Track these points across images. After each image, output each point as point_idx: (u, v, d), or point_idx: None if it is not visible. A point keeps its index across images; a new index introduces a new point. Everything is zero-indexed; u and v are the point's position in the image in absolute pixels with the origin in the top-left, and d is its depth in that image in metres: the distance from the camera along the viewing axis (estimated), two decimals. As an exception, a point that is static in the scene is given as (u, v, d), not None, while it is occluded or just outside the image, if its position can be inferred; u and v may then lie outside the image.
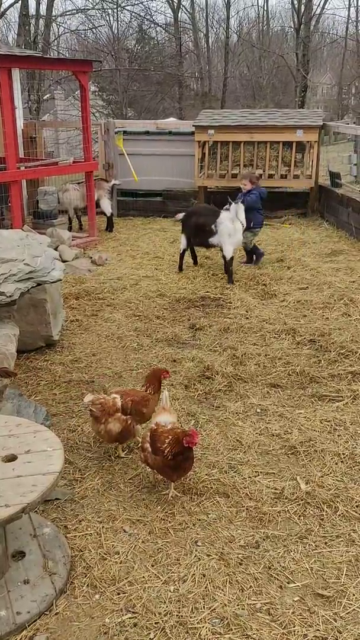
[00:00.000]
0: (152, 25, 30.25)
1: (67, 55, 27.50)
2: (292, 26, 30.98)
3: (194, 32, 33.74)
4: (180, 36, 30.87)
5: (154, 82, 27.44)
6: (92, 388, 4.86)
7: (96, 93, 26.78)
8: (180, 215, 8.07)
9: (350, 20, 35.07)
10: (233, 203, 7.57)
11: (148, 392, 3.97)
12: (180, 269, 8.07)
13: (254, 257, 8.36)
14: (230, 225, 7.50)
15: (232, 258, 7.56)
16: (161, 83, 27.68)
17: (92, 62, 10.55)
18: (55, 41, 26.01)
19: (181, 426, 3.90)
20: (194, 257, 8.28)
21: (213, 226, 7.56)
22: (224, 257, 7.61)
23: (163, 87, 28.07)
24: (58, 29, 27.25)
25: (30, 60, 9.22)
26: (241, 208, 7.54)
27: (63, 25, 27.95)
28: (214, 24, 36.87)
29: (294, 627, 2.68)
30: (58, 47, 26.80)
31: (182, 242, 8.04)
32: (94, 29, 28.19)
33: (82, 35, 28.77)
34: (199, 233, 7.75)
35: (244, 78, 35.93)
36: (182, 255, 8.08)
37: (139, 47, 29.25)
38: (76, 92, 23.11)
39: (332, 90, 39.62)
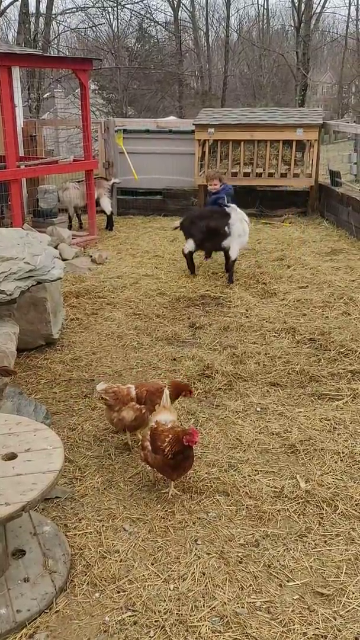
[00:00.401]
0: (152, 23, 30.32)
1: (67, 53, 27.49)
2: (293, 25, 30.98)
3: (194, 30, 33.74)
4: (180, 34, 30.87)
5: (154, 80, 27.43)
6: (93, 387, 4.85)
7: (96, 91, 26.77)
8: (177, 223, 7.81)
9: (350, 19, 35.16)
10: (229, 206, 7.54)
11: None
12: (191, 268, 7.74)
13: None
14: (241, 226, 7.43)
15: (235, 259, 7.52)
16: (161, 81, 27.68)
17: (92, 61, 10.52)
18: (55, 39, 26.05)
19: (181, 425, 3.90)
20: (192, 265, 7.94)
21: (226, 228, 7.39)
22: (229, 257, 7.53)
23: (163, 86, 28.06)
24: (58, 27, 27.32)
25: (30, 59, 9.20)
26: (238, 209, 7.54)
27: (63, 23, 28.05)
28: (214, 22, 36.95)
29: (293, 625, 2.68)
30: (58, 46, 26.83)
31: (190, 245, 7.61)
32: (94, 27, 28.24)
33: (82, 34, 28.81)
34: (212, 237, 7.47)
35: (244, 77, 35.95)
36: (188, 255, 7.71)
37: (139, 46, 29.28)
38: (76, 91, 23.09)
39: (332, 89, 39.68)
